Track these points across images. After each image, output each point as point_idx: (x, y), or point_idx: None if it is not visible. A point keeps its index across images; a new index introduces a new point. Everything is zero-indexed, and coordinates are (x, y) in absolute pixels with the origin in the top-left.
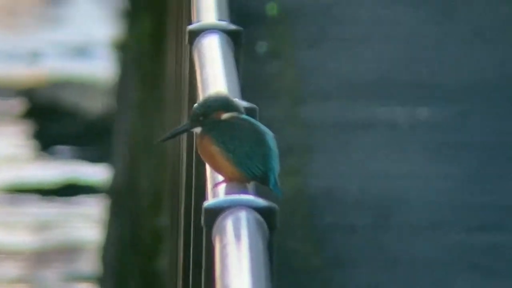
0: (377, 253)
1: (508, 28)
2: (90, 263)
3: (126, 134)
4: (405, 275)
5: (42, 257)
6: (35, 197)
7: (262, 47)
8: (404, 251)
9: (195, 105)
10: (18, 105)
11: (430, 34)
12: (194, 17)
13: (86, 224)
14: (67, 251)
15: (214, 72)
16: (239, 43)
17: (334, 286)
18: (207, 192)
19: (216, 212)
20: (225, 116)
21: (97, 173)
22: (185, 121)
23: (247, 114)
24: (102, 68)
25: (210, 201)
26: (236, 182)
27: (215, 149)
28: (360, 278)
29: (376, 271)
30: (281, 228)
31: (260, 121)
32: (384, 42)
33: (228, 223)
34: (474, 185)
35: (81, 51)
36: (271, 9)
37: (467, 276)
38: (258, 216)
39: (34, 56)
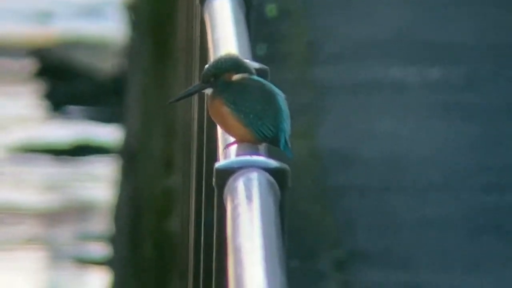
0: (387, 214)
1: None
2: (102, 223)
3: (138, 94)
4: (416, 236)
5: (54, 217)
6: (47, 157)
7: (272, 10)
8: (414, 212)
9: (206, 66)
10: (29, 65)
11: None
12: None
13: (98, 184)
14: (79, 211)
15: (225, 33)
16: (250, 4)
17: (345, 247)
18: (219, 153)
19: (228, 173)
20: (236, 77)
21: (109, 133)
22: (196, 82)
23: (258, 75)
24: (113, 28)
25: (221, 162)
26: (247, 143)
27: (226, 110)
28: (371, 239)
29: (386, 232)
30: (291, 190)
31: (271, 82)
32: (396, 3)
33: (239, 184)
34: (484, 145)
35: (93, 11)
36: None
37: (478, 237)
38: (270, 177)
39: (46, 16)
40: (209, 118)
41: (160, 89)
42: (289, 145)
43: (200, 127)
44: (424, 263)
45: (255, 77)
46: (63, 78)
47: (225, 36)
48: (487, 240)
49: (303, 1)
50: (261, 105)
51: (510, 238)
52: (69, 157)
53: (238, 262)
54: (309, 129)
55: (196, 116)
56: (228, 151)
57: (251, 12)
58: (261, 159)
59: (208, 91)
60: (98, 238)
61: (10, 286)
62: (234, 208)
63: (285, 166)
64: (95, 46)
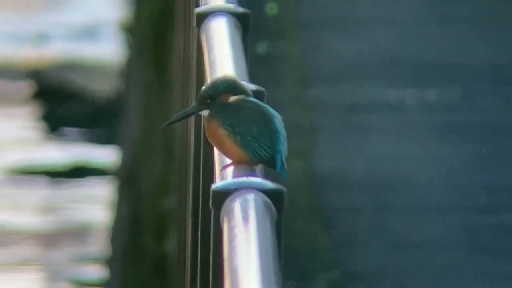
0: (383, 234)
1: None
2: (98, 245)
3: (134, 116)
4: (412, 256)
5: (51, 238)
6: (44, 179)
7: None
8: (411, 232)
9: (203, 87)
10: (26, 87)
11: (436, 15)
12: None
13: (94, 206)
14: (75, 233)
15: (222, 54)
16: (247, 26)
17: (340, 267)
18: (215, 174)
19: (224, 194)
20: (232, 98)
21: (105, 155)
22: (192, 103)
23: (255, 97)
24: (110, 50)
25: (218, 183)
26: (243, 165)
27: (222, 132)
28: (367, 260)
29: (382, 252)
30: (288, 210)
31: (268, 103)
32: (391, 23)
33: (236, 205)
34: (481, 165)
35: (89, 33)
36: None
37: (475, 257)
38: (266, 199)
39: (42, 38)
40: (205, 139)
41: (156, 111)
42: (286, 167)
43: (197, 148)
44: (421, 283)
45: (252, 99)
46: (60, 100)
47: (222, 58)
48: (483, 260)
49: (299, 22)
50: (258, 127)
51: (507, 258)
52: (66, 179)
53: (235, 284)
54: (305, 150)
55: (192, 137)
56: (225, 173)
57: (248, 33)
58: (257, 180)
59: (205, 112)
60: (94, 259)
61: None
62: (231, 229)
63: (281, 187)
64: (91, 68)
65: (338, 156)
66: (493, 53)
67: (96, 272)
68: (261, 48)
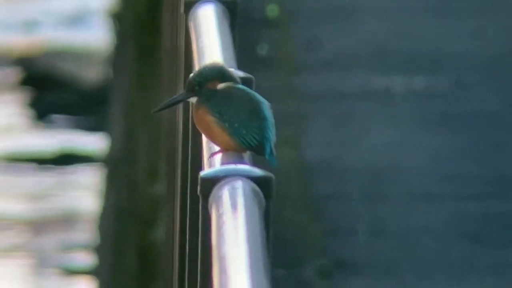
0: (372, 222)
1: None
2: (86, 232)
3: (122, 103)
4: (401, 244)
5: (39, 226)
6: (32, 166)
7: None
8: (399, 220)
9: (191, 75)
10: (14, 74)
11: (425, 4)
12: None
13: (82, 193)
14: (64, 220)
15: (209, 42)
16: (234, 13)
17: (329, 255)
18: (203, 161)
19: (213, 181)
20: (220, 86)
21: (93, 142)
22: (181, 91)
23: (243, 84)
24: (98, 37)
25: (206, 171)
26: (232, 152)
27: (210, 119)
28: (356, 248)
29: (371, 240)
30: (277, 198)
31: (256, 91)
32: (381, 12)
33: (224, 193)
34: (470, 154)
35: (77, 20)
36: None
37: (462, 245)
38: (255, 186)
39: (30, 25)
40: (193, 126)
41: (144, 98)
42: (274, 154)
43: (185, 135)
44: (409, 271)
45: (240, 86)
46: (48, 87)
47: (210, 45)
48: (472, 248)
49: (289, 11)
50: (246, 113)
51: (495, 246)
52: (54, 166)
53: (223, 271)
54: (294, 138)
55: (181, 124)
56: (213, 160)
57: (235, 21)
58: (246, 167)
59: (193, 100)
60: (82, 247)
61: None
62: (219, 217)
63: (269, 174)
64: (80, 55)
65: (327, 144)
66: (482, 42)
67: (84, 259)
68: (251, 37)
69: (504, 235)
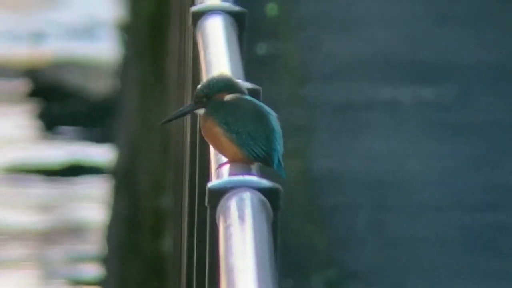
0: (380, 233)
1: (509, 9)
2: (94, 244)
3: (130, 115)
4: (408, 255)
5: (46, 237)
6: (39, 177)
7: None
8: (406, 231)
9: (199, 86)
10: (21, 85)
11: (432, 14)
12: None
13: (90, 204)
14: (71, 232)
15: (217, 53)
16: (243, 25)
17: (337, 265)
18: (211, 173)
19: (220, 192)
20: (228, 97)
21: (101, 153)
22: (188, 102)
23: (251, 95)
24: (105, 48)
25: (214, 182)
26: (239, 163)
27: (218, 130)
28: (363, 258)
29: (378, 250)
30: (285, 209)
31: (264, 102)
32: (387, 22)
33: (232, 204)
34: (477, 164)
35: (85, 32)
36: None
37: (470, 254)
38: (262, 197)
39: (38, 36)
40: (201, 138)
41: (152, 109)
42: (282, 165)
43: (193, 146)
44: (416, 282)
45: (248, 97)
46: (56, 99)
47: (218, 56)
48: (478, 258)
49: (296, 21)
50: (254, 125)
51: (502, 256)
52: (62, 177)
53: (231, 282)
54: (301, 148)
55: (188, 136)
56: (221, 171)
57: (243, 32)
58: (253, 179)
59: (201, 111)
60: (91, 258)
61: None
62: (227, 228)
63: (277, 186)
64: (87, 67)
65: (335, 155)
66: (488, 52)
67: (92, 270)
68: (259, 47)
69: (510, 245)
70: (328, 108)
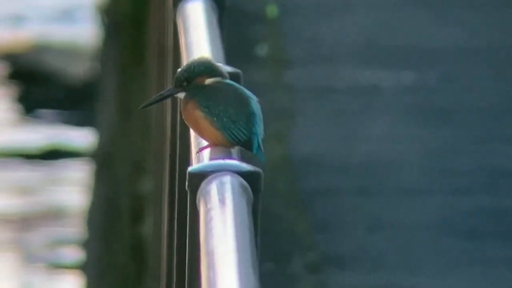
0: (362, 217)
1: None
2: (75, 228)
3: (110, 98)
4: (390, 239)
5: (26, 221)
6: (19, 161)
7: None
8: (389, 215)
9: (179, 70)
10: (1, 69)
11: None
12: None
13: (70, 188)
14: (51, 216)
15: (198, 37)
16: (223, 8)
17: (319, 250)
18: (192, 156)
19: (201, 176)
20: (209, 81)
21: (81, 137)
22: (169, 86)
23: (231, 79)
24: (85, 32)
25: (194, 166)
26: (220, 147)
27: (199, 114)
28: (344, 242)
29: (361, 235)
30: (266, 194)
31: (244, 85)
32: (368, 6)
33: (212, 188)
34: (459, 148)
35: (65, 15)
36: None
37: (450, 238)
38: (243, 181)
39: (17, 20)
40: (182, 122)
41: (132, 93)
42: (262, 149)
43: (173, 130)
44: (397, 266)
45: (228, 81)
46: (36, 82)
47: (198, 40)
48: (459, 242)
49: (278, 5)
50: (234, 108)
51: (482, 240)
52: (42, 161)
53: (211, 266)
54: (282, 132)
55: (169, 120)
56: (201, 155)
57: (223, 15)
58: (234, 162)
59: (181, 95)
60: (70, 242)
61: None
62: (207, 212)
63: (258, 169)
64: (67, 50)
65: (316, 139)
66: (470, 36)
67: (72, 254)
68: (242, 32)
69: (495, 229)
70: (309, 93)
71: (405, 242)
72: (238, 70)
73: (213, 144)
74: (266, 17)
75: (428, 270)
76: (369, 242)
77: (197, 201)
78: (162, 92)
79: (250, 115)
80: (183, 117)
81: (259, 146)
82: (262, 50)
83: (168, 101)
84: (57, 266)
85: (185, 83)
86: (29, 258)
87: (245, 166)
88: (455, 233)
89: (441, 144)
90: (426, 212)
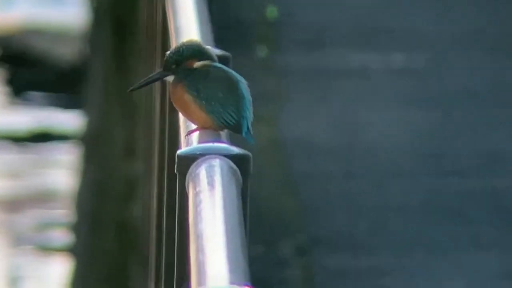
0: (349, 201)
1: None
2: (63, 211)
3: (99, 81)
4: (379, 221)
5: (15, 204)
6: (8, 143)
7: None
8: (378, 198)
9: (168, 53)
10: None
11: None
12: None
13: (59, 171)
14: (40, 198)
15: (187, 19)
16: None
17: (307, 233)
18: (181, 140)
19: (190, 159)
20: (197, 64)
21: (70, 120)
22: (158, 69)
23: (220, 62)
24: (74, 14)
25: (183, 149)
26: (209, 130)
27: (187, 97)
28: (333, 225)
29: (349, 218)
30: (255, 177)
31: (234, 69)
32: None
33: (201, 171)
34: (447, 132)
35: None
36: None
37: (439, 221)
38: (232, 164)
39: (5, 2)
40: (171, 105)
41: (121, 76)
42: (251, 132)
43: (162, 113)
44: (387, 248)
45: (217, 64)
46: (24, 65)
47: (187, 23)
48: (447, 224)
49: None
50: (223, 92)
51: (469, 222)
52: (30, 144)
53: (200, 249)
54: (271, 116)
55: (158, 103)
56: (190, 138)
57: None
58: (223, 146)
59: (170, 78)
60: (59, 225)
61: None
62: (196, 195)
63: (247, 153)
64: (56, 33)
65: (305, 122)
66: (459, 20)
67: (61, 237)
68: (231, 16)
69: (481, 211)
70: (298, 76)
71: (394, 225)
72: (228, 53)
73: (202, 127)
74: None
75: (417, 253)
76: (358, 225)
77: (186, 184)
78: (150, 75)
79: (239, 98)
80: (172, 100)
81: (248, 129)
82: (251, 33)
83: (157, 84)
84: (46, 249)
85: (174, 66)
86: (18, 240)
87: (234, 149)
88: (443, 216)
89: (429, 127)
90: (414, 195)
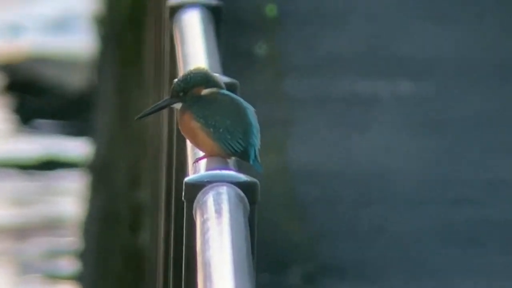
0: (360, 226)
1: (490, 5)
2: (71, 239)
3: (106, 109)
4: (388, 249)
5: (23, 232)
6: (16, 171)
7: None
8: (388, 224)
9: (175, 80)
10: None
11: (411, 9)
12: None
13: (67, 199)
14: (48, 227)
15: (194, 47)
16: (219, 18)
17: (315, 260)
18: (188, 167)
19: (197, 187)
20: (205, 91)
21: (77, 147)
22: (165, 96)
23: (228, 89)
24: (82, 42)
25: (191, 176)
26: (217, 157)
27: (195, 125)
28: (342, 252)
29: (358, 244)
30: (263, 203)
31: (241, 96)
32: (366, 17)
33: (209, 198)
34: (456, 159)
35: (61, 25)
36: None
37: (449, 249)
38: (239, 191)
39: (14, 30)
40: (178, 132)
41: (129, 103)
42: (259, 159)
43: (170, 141)
44: (396, 276)
45: (225, 91)
46: (32, 93)
47: (195, 50)
48: (455, 252)
49: (277, 15)
50: (231, 119)
51: (478, 250)
52: (38, 172)
53: (208, 277)
54: (280, 143)
55: (165, 130)
56: (198, 165)
57: (220, 26)
58: (230, 173)
59: (178, 105)
60: (67, 252)
61: None
62: (204, 223)
63: (254, 180)
64: (64, 60)
65: (313, 149)
66: (467, 48)
67: (69, 265)
68: (240, 42)
69: (491, 239)
70: (307, 102)
71: (405, 252)
72: (235, 81)
73: (209, 155)
74: (265, 20)
75: (427, 281)
76: (366, 252)
77: (193, 212)
78: (158, 103)
79: (247, 125)
80: (179, 127)
81: (255, 157)
82: (259, 59)
83: (165, 112)
84: (53, 277)
85: (181, 94)
86: (25, 269)
87: (242, 177)
88: (451, 243)
89: (438, 155)
90: (424, 223)
